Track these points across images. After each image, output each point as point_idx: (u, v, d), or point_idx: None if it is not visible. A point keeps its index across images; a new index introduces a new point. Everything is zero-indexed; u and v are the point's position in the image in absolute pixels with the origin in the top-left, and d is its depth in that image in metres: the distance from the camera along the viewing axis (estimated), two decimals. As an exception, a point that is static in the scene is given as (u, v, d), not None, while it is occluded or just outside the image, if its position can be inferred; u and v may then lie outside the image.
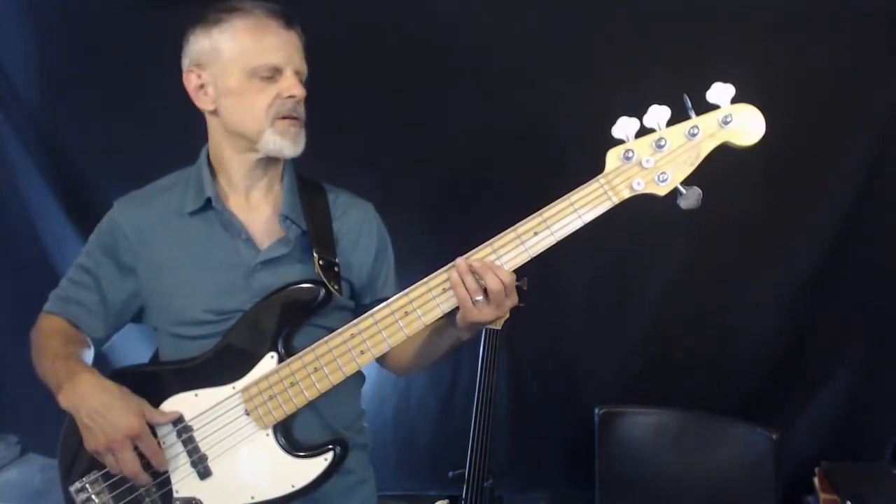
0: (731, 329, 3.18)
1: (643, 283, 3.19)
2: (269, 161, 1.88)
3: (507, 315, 2.78)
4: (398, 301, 1.72)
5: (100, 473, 1.76)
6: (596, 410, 3.03)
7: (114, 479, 1.75)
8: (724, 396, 3.15)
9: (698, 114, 1.63)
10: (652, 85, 2.83)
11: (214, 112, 1.84)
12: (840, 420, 3.16)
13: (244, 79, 1.77)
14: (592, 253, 3.09)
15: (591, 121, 2.84)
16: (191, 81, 1.84)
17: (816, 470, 2.98)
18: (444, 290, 1.70)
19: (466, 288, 1.65)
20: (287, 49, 1.78)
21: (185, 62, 1.85)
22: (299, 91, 1.78)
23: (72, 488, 1.77)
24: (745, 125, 1.61)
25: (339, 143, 3.00)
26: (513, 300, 1.69)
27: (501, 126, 3.03)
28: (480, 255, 1.68)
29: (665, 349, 3.23)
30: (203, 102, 1.85)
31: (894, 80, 2.87)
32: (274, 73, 1.77)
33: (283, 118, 1.78)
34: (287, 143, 1.79)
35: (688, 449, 2.97)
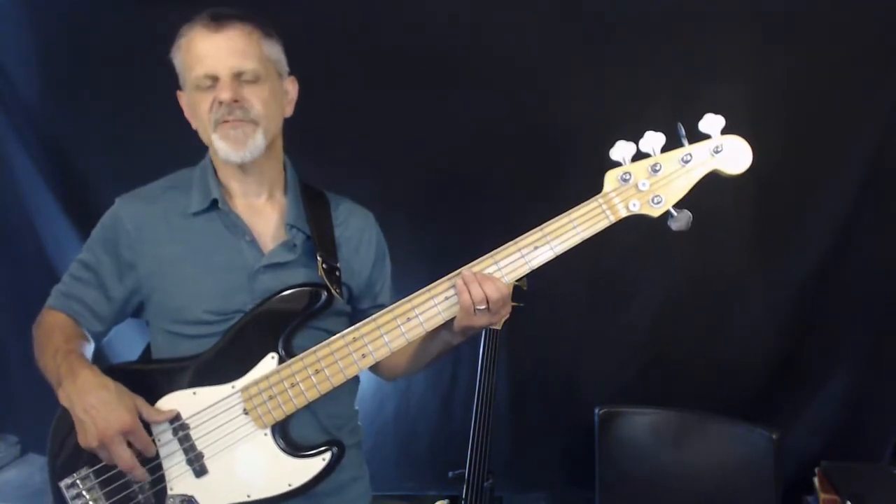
0: (731, 329, 3.19)
1: (643, 284, 3.20)
2: (257, 169, 1.88)
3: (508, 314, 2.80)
4: (401, 307, 1.76)
5: (91, 470, 1.75)
6: (596, 410, 3.03)
7: (105, 475, 1.75)
8: (724, 396, 3.15)
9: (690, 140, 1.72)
10: (652, 84, 2.86)
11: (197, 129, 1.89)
12: (840, 420, 3.16)
13: (193, 92, 1.81)
14: (593, 253, 3.06)
15: (590, 123, 2.88)
16: (181, 102, 1.91)
17: (816, 470, 2.97)
18: (447, 298, 1.75)
19: (471, 296, 1.69)
20: (217, 53, 1.76)
21: None
22: (225, 95, 1.75)
23: (62, 483, 1.76)
24: (734, 156, 1.71)
25: (338, 145, 3.01)
26: (507, 310, 1.77)
27: (501, 128, 3.04)
28: (482, 266, 1.74)
29: (665, 349, 3.23)
30: (191, 121, 1.89)
31: (894, 81, 2.87)
32: (211, 81, 1.77)
33: (223, 122, 1.78)
34: (228, 146, 1.79)
35: (688, 449, 2.97)
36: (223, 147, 1.79)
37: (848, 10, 2.82)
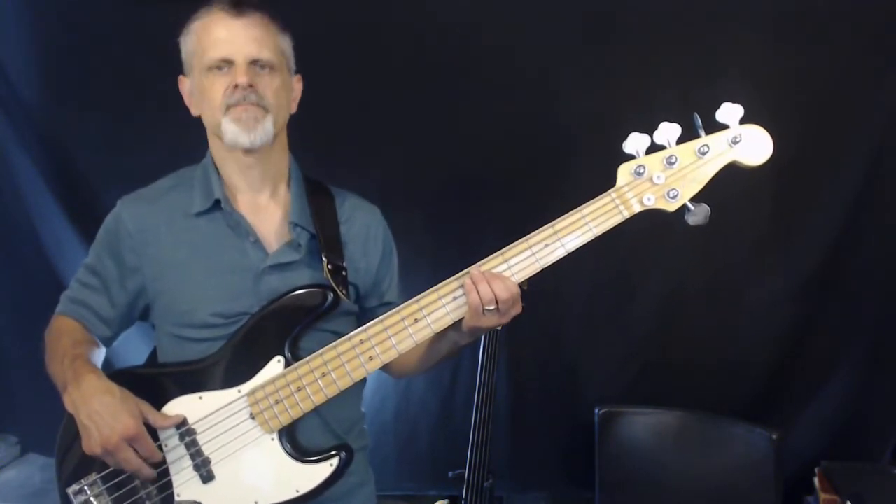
0: (731, 329, 3.19)
1: (643, 283, 3.20)
2: (263, 161, 1.87)
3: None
4: (408, 307, 1.73)
5: (99, 476, 1.75)
6: (596, 410, 3.04)
7: (113, 481, 1.74)
8: (724, 396, 3.15)
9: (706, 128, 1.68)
10: (653, 86, 2.86)
11: (200, 115, 1.88)
12: (840, 420, 3.16)
13: (203, 76, 1.80)
14: (593, 253, 3.06)
15: (592, 122, 2.88)
16: (182, 89, 1.90)
17: (816, 470, 2.98)
18: (455, 299, 1.72)
19: (479, 295, 1.67)
20: (236, 39, 1.77)
21: None
22: (242, 79, 1.76)
23: (69, 490, 1.75)
24: (754, 146, 1.65)
25: (339, 145, 3.01)
26: (517, 309, 1.73)
27: (503, 127, 3.03)
28: (492, 264, 1.71)
29: (665, 349, 3.23)
30: (192, 108, 1.89)
31: (894, 81, 2.87)
32: (226, 66, 1.78)
33: (235, 106, 1.78)
34: (239, 129, 1.78)
35: (688, 449, 2.98)
36: (232, 130, 1.78)
37: (848, 10, 2.82)
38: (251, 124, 1.78)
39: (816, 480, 2.96)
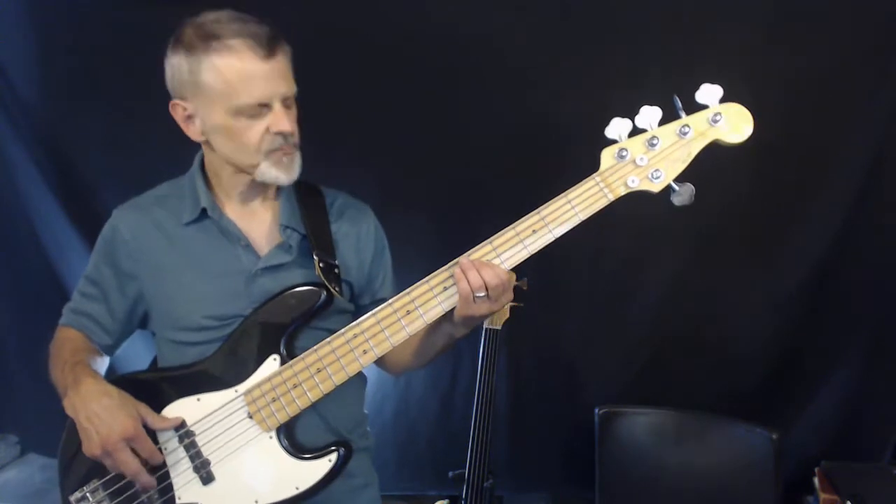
0: (731, 329, 3.19)
1: (643, 283, 3.20)
2: None
3: (508, 315, 2.81)
4: (400, 300, 1.73)
5: (100, 482, 1.76)
6: (596, 410, 3.03)
7: (115, 487, 1.75)
8: (724, 396, 3.15)
9: (688, 114, 1.67)
10: (652, 84, 2.86)
11: (206, 143, 1.82)
12: (840, 420, 3.16)
13: (230, 117, 1.71)
14: (592, 253, 3.09)
15: (589, 120, 2.85)
16: (177, 113, 1.79)
17: (816, 470, 2.98)
18: (445, 289, 1.72)
19: (469, 283, 1.66)
20: (271, 81, 1.70)
21: (170, 90, 1.79)
22: (288, 126, 1.72)
23: (72, 497, 1.77)
24: (734, 123, 1.65)
25: (337, 144, 3.00)
26: (508, 296, 1.72)
27: (499, 126, 3.04)
28: (481, 252, 1.70)
29: (665, 349, 3.23)
30: (192, 133, 1.80)
31: (894, 80, 2.87)
32: (261, 110, 1.71)
33: (276, 150, 1.75)
34: (281, 173, 1.77)
35: (688, 449, 2.97)
36: (275, 173, 1.76)
37: (848, 9, 2.81)
38: (291, 167, 1.78)
39: (816, 480, 2.96)
